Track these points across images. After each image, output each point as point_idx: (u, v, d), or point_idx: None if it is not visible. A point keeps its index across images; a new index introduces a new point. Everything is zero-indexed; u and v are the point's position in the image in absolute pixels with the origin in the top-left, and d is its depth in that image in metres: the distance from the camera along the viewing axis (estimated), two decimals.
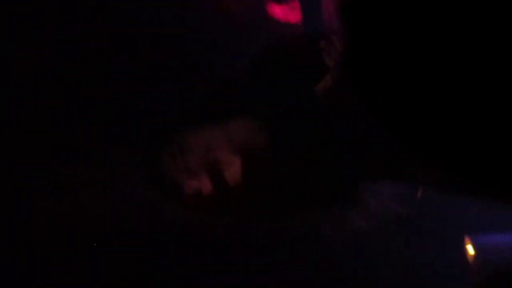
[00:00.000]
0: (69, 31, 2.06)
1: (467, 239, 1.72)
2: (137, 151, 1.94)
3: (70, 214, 2.09)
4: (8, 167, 2.08)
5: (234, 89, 1.90)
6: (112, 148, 2.08)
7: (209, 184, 1.72)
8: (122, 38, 2.06)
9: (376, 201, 1.63)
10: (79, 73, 2.09)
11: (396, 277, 1.68)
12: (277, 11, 1.99)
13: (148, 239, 2.08)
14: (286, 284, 1.81)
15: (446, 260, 1.69)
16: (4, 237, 2.06)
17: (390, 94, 0.81)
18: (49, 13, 2.06)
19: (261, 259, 1.88)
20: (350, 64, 0.88)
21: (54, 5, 2.05)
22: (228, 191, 1.71)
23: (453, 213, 1.68)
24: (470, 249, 1.70)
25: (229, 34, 1.99)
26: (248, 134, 1.86)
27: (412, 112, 0.79)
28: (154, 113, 2.02)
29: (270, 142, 1.82)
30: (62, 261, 2.08)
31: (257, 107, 1.88)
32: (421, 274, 1.68)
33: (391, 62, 0.80)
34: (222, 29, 2.00)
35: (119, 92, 2.08)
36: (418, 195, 1.61)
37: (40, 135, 2.07)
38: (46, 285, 2.08)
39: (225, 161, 1.74)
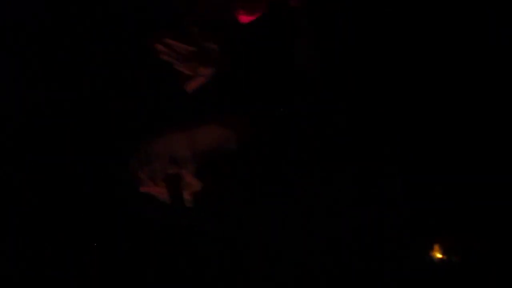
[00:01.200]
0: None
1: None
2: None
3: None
4: None
5: (202, 97, 1.91)
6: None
7: (167, 196, 1.75)
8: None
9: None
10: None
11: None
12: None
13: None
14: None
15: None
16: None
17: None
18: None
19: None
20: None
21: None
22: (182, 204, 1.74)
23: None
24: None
25: None
26: (214, 144, 1.86)
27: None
28: (123, 118, 2.03)
29: (238, 151, 1.82)
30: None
31: (225, 116, 1.89)
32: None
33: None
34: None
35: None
36: None
37: None
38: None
39: (187, 179, 1.75)
